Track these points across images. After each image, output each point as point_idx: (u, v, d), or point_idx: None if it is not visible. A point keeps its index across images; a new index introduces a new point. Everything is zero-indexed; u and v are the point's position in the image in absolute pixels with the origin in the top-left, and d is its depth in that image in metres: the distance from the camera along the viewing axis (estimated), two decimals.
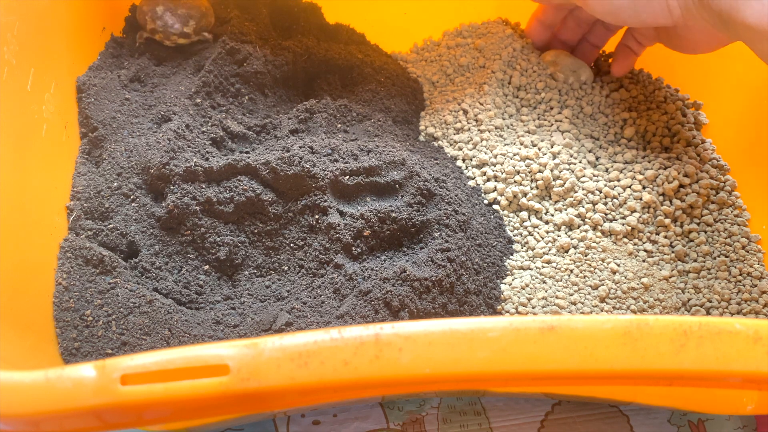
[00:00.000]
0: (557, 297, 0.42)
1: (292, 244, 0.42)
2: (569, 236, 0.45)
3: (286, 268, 0.42)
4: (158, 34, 0.49)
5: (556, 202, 0.46)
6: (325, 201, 0.42)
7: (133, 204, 0.42)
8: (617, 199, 0.46)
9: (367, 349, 0.25)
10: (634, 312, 0.42)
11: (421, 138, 0.51)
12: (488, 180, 0.47)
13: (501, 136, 0.49)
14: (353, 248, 0.41)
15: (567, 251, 0.44)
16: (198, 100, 0.46)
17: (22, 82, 0.40)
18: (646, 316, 0.26)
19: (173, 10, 0.49)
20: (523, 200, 0.46)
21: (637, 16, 0.43)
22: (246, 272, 0.42)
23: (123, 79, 0.48)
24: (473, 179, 0.48)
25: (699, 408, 0.41)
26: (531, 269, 0.44)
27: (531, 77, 0.52)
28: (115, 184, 0.43)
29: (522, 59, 0.54)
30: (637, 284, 0.43)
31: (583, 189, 0.46)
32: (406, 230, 0.42)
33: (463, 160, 0.49)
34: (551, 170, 0.46)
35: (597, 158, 0.48)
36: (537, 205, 0.46)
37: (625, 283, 0.43)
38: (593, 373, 0.26)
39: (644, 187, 0.46)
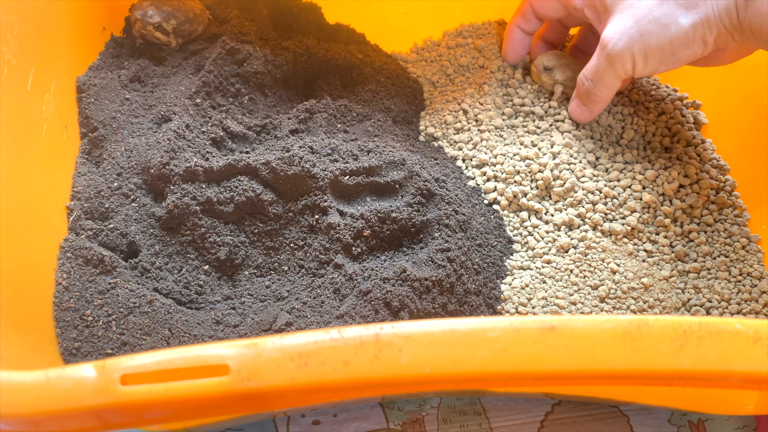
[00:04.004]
0: (557, 297, 0.42)
1: (292, 244, 0.42)
2: (569, 236, 0.45)
3: (286, 268, 0.42)
4: (137, 23, 0.49)
5: (556, 202, 0.46)
6: (325, 201, 0.42)
7: (133, 204, 0.42)
8: (617, 199, 0.46)
9: (367, 349, 0.25)
10: (634, 312, 0.42)
11: (421, 138, 0.51)
12: (488, 180, 0.47)
13: (501, 136, 0.49)
14: (353, 248, 0.41)
15: (567, 251, 0.44)
16: (198, 100, 0.46)
17: (22, 82, 0.40)
18: (646, 316, 0.26)
19: (158, 6, 0.49)
20: (523, 200, 0.46)
21: (676, 62, 0.42)
22: (246, 272, 0.42)
23: (123, 79, 0.48)
24: (473, 179, 0.48)
25: (699, 408, 0.41)
26: (531, 269, 0.44)
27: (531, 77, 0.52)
28: (115, 184, 0.43)
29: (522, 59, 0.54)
30: (637, 284, 0.43)
31: (583, 189, 0.46)
32: (406, 230, 0.42)
33: (463, 160, 0.49)
34: (551, 170, 0.46)
35: (597, 158, 0.48)
36: (537, 205, 0.46)
37: (625, 283, 0.43)
38: (593, 373, 0.26)
39: (644, 187, 0.46)
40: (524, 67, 0.53)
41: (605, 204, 0.46)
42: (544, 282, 0.43)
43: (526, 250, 0.45)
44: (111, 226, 0.42)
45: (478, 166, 0.48)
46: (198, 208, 0.41)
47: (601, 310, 0.42)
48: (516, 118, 0.50)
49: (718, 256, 0.46)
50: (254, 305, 0.41)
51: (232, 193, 0.42)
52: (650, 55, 0.42)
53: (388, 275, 0.39)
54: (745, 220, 0.48)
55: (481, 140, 0.49)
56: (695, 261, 0.46)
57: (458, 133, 0.50)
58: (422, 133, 0.52)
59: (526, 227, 0.46)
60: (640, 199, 0.46)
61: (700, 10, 0.40)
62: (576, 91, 0.48)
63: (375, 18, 0.57)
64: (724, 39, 0.41)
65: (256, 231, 0.43)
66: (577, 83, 0.47)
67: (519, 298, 0.43)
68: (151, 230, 0.42)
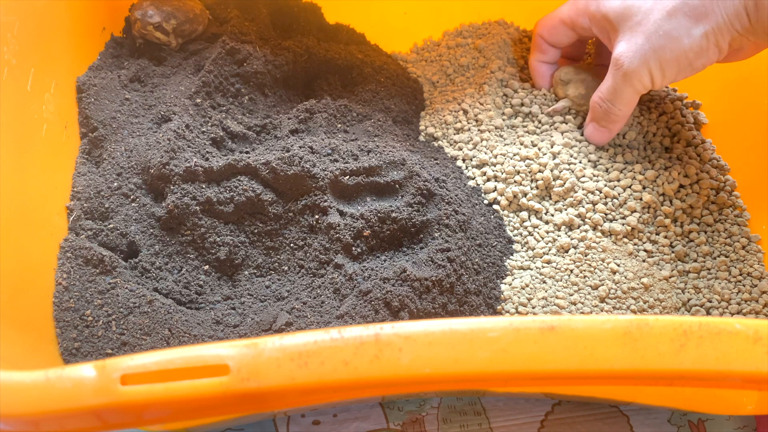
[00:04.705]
0: (557, 297, 0.42)
1: (292, 244, 0.42)
2: (569, 236, 0.45)
3: (286, 268, 0.42)
4: (137, 23, 0.49)
5: (556, 202, 0.46)
6: (325, 201, 0.42)
7: (133, 204, 0.42)
8: (617, 199, 0.46)
9: (367, 349, 0.25)
10: (634, 312, 0.42)
11: (421, 138, 0.51)
12: (488, 180, 0.47)
13: (501, 136, 0.49)
14: (353, 248, 0.41)
15: (567, 251, 0.44)
16: (198, 100, 0.46)
17: (22, 82, 0.40)
18: (646, 316, 0.26)
19: (158, 6, 0.49)
20: (523, 200, 0.46)
21: (694, 70, 0.42)
22: (246, 272, 0.42)
23: (123, 79, 0.48)
24: (473, 179, 0.48)
25: (699, 408, 0.41)
26: (531, 269, 0.44)
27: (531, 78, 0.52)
28: (115, 184, 0.43)
29: (522, 59, 0.54)
30: (637, 284, 0.43)
31: (583, 189, 0.46)
32: (406, 230, 0.42)
33: (463, 160, 0.49)
34: (551, 170, 0.46)
35: (597, 158, 0.48)
36: (537, 205, 0.46)
37: (625, 283, 0.43)
38: (593, 373, 0.26)
39: (644, 188, 0.46)
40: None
41: (605, 204, 0.46)
42: (544, 282, 0.43)
43: (526, 250, 0.45)
44: (111, 226, 0.42)
45: (478, 166, 0.48)
46: (198, 208, 0.41)
47: (601, 310, 0.42)
48: (516, 118, 0.50)
49: (718, 256, 0.46)
50: (254, 305, 0.41)
51: (232, 193, 0.42)
52: (667, 68, 0.42)
53: (388, 275, 0.39)
54: (745, 220, 0.48)
55: (481, 140, 0.49)
56: (695, 261, 0.46)
57: (458, 133, 0.50)
58: (422, 133, 0.52)
59: (526, 227, 0.46)
60: (640, 199, 0.46)
61: (710, 19, 0.40)
62: (591, 115, 0.47)
63: (375, 18, 0.57)
64: (738, 41, 0.41)
65: (256, 231, 0.43)
66: (591, 107, 0.47)
67: (519, 298, 0.43)
68: (151, 230, 0.42)
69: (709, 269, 0.45)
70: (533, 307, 0.42)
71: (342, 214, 0.42)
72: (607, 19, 0.44)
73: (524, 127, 0.50)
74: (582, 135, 0.48)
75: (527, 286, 0.43)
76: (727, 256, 0.46)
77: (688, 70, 0.42)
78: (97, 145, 0.45)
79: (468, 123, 0.50)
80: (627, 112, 0.46)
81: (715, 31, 0.40)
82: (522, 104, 0.50)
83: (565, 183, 0.46)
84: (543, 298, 0.42)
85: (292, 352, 0.25)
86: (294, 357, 0.25)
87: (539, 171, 0.46)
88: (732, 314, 0.43)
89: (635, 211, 0.46)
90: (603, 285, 0.43)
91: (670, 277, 0.44)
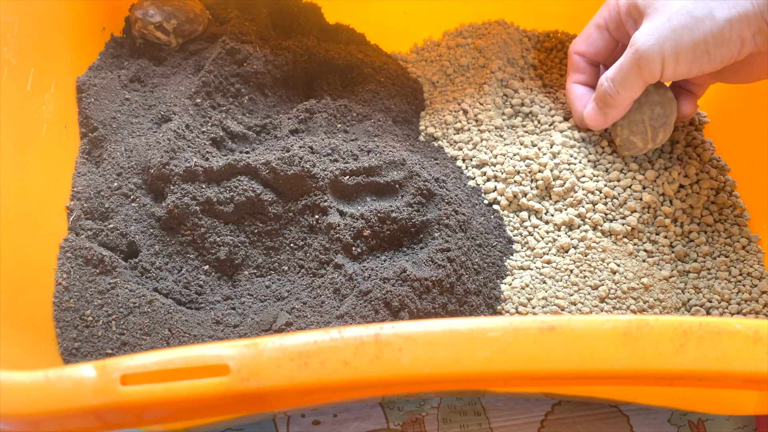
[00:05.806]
0: (557, 297, 0.42)
1: (292, 244, 0.42)
2: (569, 236, 0.45)
3: (286, 268, 0.42)
4: (138, 22, 0.49)
5: (556, 202, 0.46)
6: (325, 201, 0.42)
7: (133, 204, 0.42)
8: (617, 199, 0.46)
9: (367, 349, 0.25)
10: (634, 312, 0.42)
11: (421, 138, 0.51)
12: (488, 180, 0.47)
13: (501, 136, 0.49)
14: (353, 248, 0.41)
15: (567, 251, 0.44)
16: (198, 100, 0.46)
17: (22, 82, 0.40)
18: (646, 316, 0.26)
19: (159, 5, 0.49)
20: (523, 200, 0.46)
21: (710, 61, 0.40)
22: (246, 272, 0.42)
23: (123, 79, 0.48)
24: (473, 179, 0.48)
25: (699, 408, 0.41)
26: (531, 269, 0.44)
27: (531, 78, 0.52)
28: (115, 184, 0.43)
29: (522, 59, 0.54)
30: (637, 284, 0.43)
31: (583, 189, 0.46)
32: (406, 230, 0.42)
33: (463, 160, 0.49)
34: (551, 170, 0.46)
35: (597, 158, 0.48)
36: (537, 205, 0.46)
37: (625, 283, 0.43)
38: (593, 373, 0.26)
39: (644, 188, 0.46)
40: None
41: (605, 204, 0.46)
42: (544, 282, 0.43)
43: (526, 250, 0.45)
44: (111, 226, 0.42)
45: (478, 166, 0.48)
46: (198, 208, 0.41)
47: (601, 310, 0.42)
48: (516, 117, 0.50)
49: (718, 256, 0.46)
50: (254, 305, 0.41)
51: (232, 193, 0.42)
52: (682, 53, 0.40)
53: (388, 275, 0.39)
54: (745, 220, 0.48)
55: (481, 140, 0.49)
56: (695, 261, 0.46)
57: (458, 133, 0.50)
58: (422, 133, 0.52)
59: (526, 227, 0.46)
60: (640, 199, 0.46)
61: (739, 4, 0.38)
62: (595, 94, 0.46)
63: (375, 18, 0.57)
64: (764, 37, 0.39)
65: (256, 231, 0.43)
66: (597, 86, 0.45)
67: (519, 298, 0.43)
68: (151, 230, 0.42)
69: (709, 269, 0.45)
70: (533, 307, 0.42)
71: (342, 214, 0.42)
72: (636, 7, 0.43)
73: (524, 127, 0.50)
74: (581, 135, 0.48)
75: (527, 286, 0.43)
76: (727, 256, 0.46)
77: (705, 59, 0.40)
78: (97, 145, 0.45)
79: (468, 123, 0.50)
80: (625, 98, 0.44)
81: (742, 19, 0.38)
82: (522, 104, 0.50)
83: (565, 183, 0.46)
84: (543, 298, 0.42)
85: (292, 352, 0.25)
86: (294, 357, 0.25)
87: (539, 171, 0.46)
88: (732, 314, 0.43)
89: (635, 211, 0.46)
90: (603, 285, 0.43)
91: (670, 277, 0.44)
